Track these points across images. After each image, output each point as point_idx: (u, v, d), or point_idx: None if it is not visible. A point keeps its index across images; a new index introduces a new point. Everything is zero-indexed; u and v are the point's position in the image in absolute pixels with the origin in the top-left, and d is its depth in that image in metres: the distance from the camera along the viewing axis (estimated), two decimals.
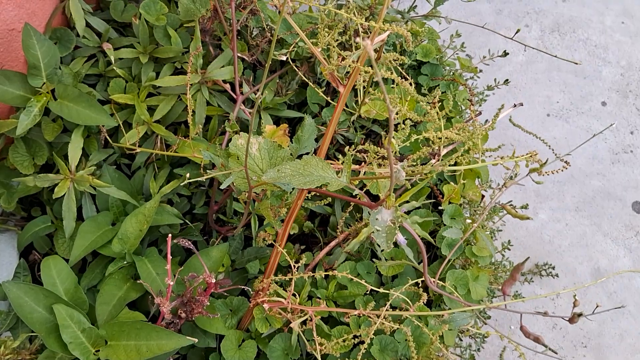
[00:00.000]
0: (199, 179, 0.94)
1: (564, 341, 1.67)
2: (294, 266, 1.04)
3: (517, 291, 1.53)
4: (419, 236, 1.13)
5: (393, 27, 0.83)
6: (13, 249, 1.24)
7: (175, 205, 1.26)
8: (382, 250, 1.21)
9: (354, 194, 1.05)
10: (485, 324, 1.15)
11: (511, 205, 1.37)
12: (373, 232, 0.70)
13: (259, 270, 1.21)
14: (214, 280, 0.97)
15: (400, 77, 0.99)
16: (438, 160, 1.03)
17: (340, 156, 1.02)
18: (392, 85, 1.30)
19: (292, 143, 1.07)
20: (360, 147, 0.98)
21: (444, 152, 1.14)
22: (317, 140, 1.08)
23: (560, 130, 1.94)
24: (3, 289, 1.10)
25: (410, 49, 1.18)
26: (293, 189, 1.00)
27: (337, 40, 0.95)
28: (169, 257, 0.93)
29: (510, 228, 1.49)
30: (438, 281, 0.94)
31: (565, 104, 1.99)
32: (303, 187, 0.80)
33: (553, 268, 1.66)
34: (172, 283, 0.94)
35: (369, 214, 0.96)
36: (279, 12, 0.80)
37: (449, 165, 1.01)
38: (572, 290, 0.83)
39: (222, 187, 0.88)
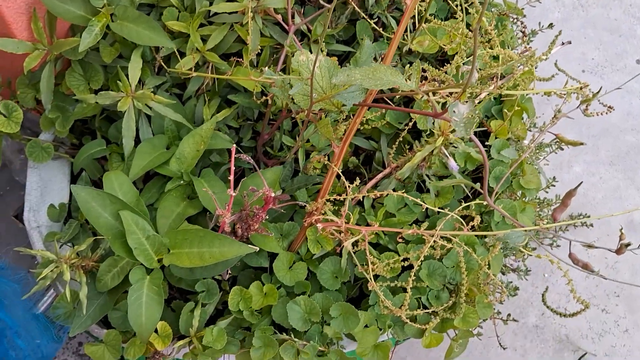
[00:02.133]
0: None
1: (597, 290, 1.68)
2: (348, 186, 1.06)
3: (553, 238, 1.55)
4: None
5: None
6: (64, 176, 1.27)
7: None
8: (431, 182, 1.23)
9: (419, 101, 1.05)
10: (530, 254, 1.16)
11: (557, 136, 1.37)
12: (451, 123, 0.71)
13: (307, 200, 1.23)
14: (273, 194, 0.99)
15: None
16: (496, 81, 1.03)
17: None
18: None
19: (347, 64, 1.08)
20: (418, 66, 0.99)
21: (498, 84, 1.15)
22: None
23: (595, 86, 1.92)
24: (61, 207, 1.14)
25: None
26: (350, 108, 1.01)
27: None
28: (232, 167, 0.95)
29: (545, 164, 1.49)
30: (490, 199, 0.95)
31: (600, 61, 1.99)
32: (374, 87, 0.81)
33: (588, 217, 1.67)
34: (234, 194, 0.96)
35: (433, 123, 0.97)
36: None
37: (506, 90, 1.02)
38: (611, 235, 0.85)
39: (290, 92, 0.90)
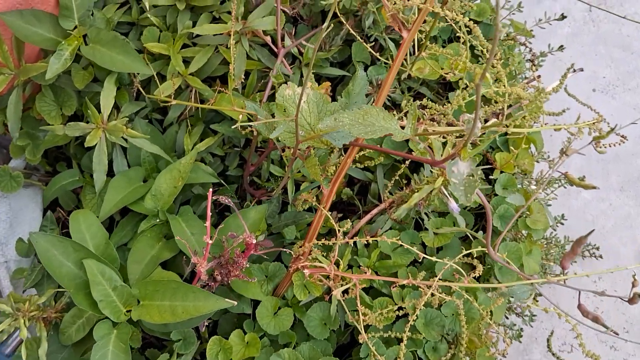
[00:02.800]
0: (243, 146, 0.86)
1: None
2: (338, 230, 0.97)
3: (561, 272, 1.45)
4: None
5: None
6: (37, 205, 1.18)
7: (209, 165, 1.19)
8: (429, 220, 1.14)
9: (414, 150, 0.96)
10: (536, 301, 1.08)
11: (566, 174, 1.28)
12: (449, 185, 0.62)
13: (295, 237, 1.14)
14: (254, 241, 0.90)
15: (463, 31, 0.91)
16: (502, 120, 0.94)
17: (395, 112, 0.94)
18: (444, 43, 1.22)
19: (339, 97, 0.99)
20: (418, 102, 0.90)
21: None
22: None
23: (606, 106, 1.84)
24: (30, 242, 1.05)
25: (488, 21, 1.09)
26: (341, 147, 0.92)
27: None
28: (209, 212, 0.86)
29: (552, 207, 1.40)
30: (493, 251, 0.86)
31: (612, 80, 1.89)
32: (364, 136, 0.72)
33: (597, 249, 1.58)
34: (211, 242, 0.87)
35: (431, 171, 0.89)
36: None
37: (513, 127, 0.93)
38: (618, 270, 0.76)
39: (271, 136, 0.81)
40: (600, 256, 1.59)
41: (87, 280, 0.85)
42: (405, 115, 0.99)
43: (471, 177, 0.61)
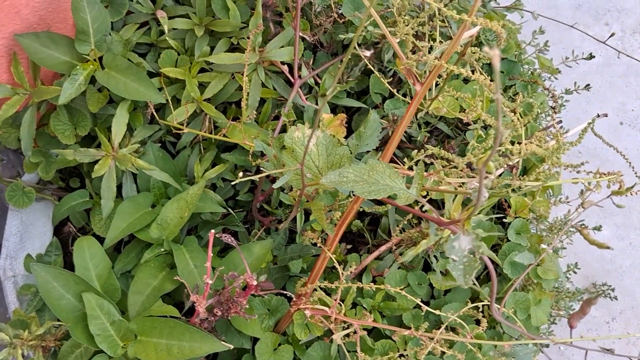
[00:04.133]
0: (249, 177, 0.85)
1: None
2: (342, 273, 0.96)
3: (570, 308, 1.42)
4: (486, 256, 1.03)
5: (486, 22, 0.72)
6: (48, 220, 1.19)
7: (219, 190, 1.18)
8: (438, 262, 1.12)
9: (422, 209, 0.95)
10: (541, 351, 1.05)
11: (582, 225, 1.25)
12: (448, 263, 0.60)
13: (301, 269, 1.13)
14: (255, 282, 0.89)
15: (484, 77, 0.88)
16: (516, 173, 0.92)
17: (405, 159, 0.92)
18: (465, 78, 1.19)
19: (350, 139, 0.98)
20: (429, 150, 0.88)
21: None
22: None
23: (633, 140, 1.79)
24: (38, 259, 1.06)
25: (501, 47, 1.06)
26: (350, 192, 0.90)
27: (415, 29, 0.84)
28: (210, 253, 0.85)
29: (570, 244, 1.37)
30: (497, 306, 0.84)
31: None
32: (367, 196, 0.70)
33: (612, 290, 1.54)
34: (210, 282, 0.86)
35: (436, 231, 0.87)
36: None
37: (528, 181, 0.90)
38: (626, 336, 0.73)
39: (275, 186, 0.80)
40: (615, 297, 1.55)
41: (85, 313, 0.85)
42: (417, 164, 0.97)
43: (472, 256, 0.59)
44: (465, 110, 1.16)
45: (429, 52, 0.89)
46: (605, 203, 1.68)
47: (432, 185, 0.93)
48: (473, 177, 0.91)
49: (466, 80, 1.17)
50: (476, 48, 0.95)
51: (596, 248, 1.54)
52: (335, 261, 0.95)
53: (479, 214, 0.98)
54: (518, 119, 0.93)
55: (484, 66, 1.21)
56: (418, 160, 0.90)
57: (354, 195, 1.00)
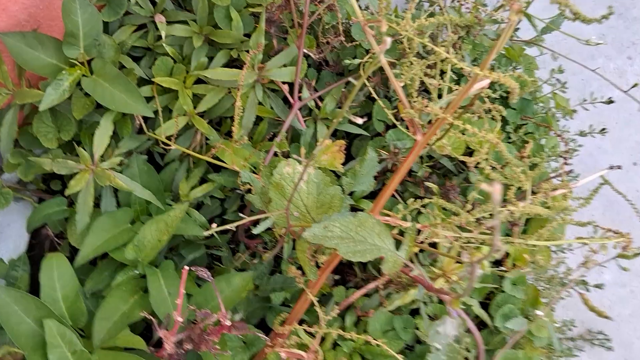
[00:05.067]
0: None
1: None
2: (323, 319, 0.90)
3: None
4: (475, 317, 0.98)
5: (499, 76, 0.66)
6: (24, 222, 1.14)
7: (205, 208, 1.12)
8: (425, 303, 1.06)
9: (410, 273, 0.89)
10: None
11: (583, 282, 1.19)
12: (430, 351, 0.55)
13: (283, 301, 1.07)
14: (229, 323, 0.83)
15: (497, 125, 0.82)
16: (518, 232, 0.85)
17: (400, 206, 0.86)
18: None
19: (344, 177, 0.92)
20: (426, 200, 0.82)
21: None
22: (375, 177, 0.93)
23: None
24: (10, 264, 1.00)
25: (514, 101, 0.99)
26: None
27: (423, 71, 0.78)
28: (182, 291, 0.80)
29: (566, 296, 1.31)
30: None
31: None
32: (351, 258, 0.65)
33: (608, 340, 1.48)
34: (181, 320, 0.81)
35: (427, 324, 0.80)
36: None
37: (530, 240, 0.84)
38: None
39: (255, 231, 0.74)
40: (611, 348, 1.49)
41: (45, 340, 0.80)
42: (411, 214, 0.91)
43: (456, 345, 0.54)
44: (470, 149, 1.10)
45: (437, 95, 0.83)
46: (609, 245, 1.61)
47: (428, 233, 0.87)
48: (470, 231, 0.85)
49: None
50: (488, 90, 0.88)
51: (595, 295, 1.47)
52: (317, 304, 0.89)
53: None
54: (524, 172, 0.87)
55: (495, 100, 1.15)
56: (413, 210, 0.84)
57: None
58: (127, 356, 0.81)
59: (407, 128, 1.10)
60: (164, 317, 0.90)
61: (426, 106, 0.66)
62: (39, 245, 1.16)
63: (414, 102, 0.70)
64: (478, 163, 1.06)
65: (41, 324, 0.81)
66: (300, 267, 1.05)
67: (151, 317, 0.83)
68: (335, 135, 1.15)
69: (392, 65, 1.06)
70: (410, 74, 0.70)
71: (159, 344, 0.93)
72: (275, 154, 1.04)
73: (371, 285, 1.08)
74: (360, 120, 0.51)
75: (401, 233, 0.80)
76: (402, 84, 0.71)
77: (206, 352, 0.90)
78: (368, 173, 0.88)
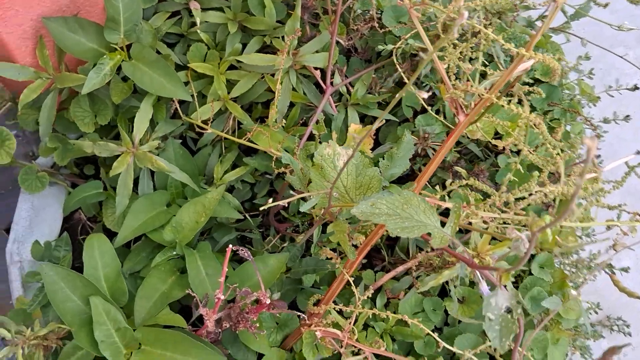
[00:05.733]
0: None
1: None
2: (359, 298, 0.92)
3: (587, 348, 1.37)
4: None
5: (544, 57, 0.67)
6: (59, 206, 1.16)
7: (236, 192, 1.14)
8: (455, 286, 1.08)
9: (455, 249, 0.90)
10: None
11: (609, 265, 1.21)
12: (484, 320, 0.56)
13: (314, 283, 1.09)
14: (268, 301, 0.85)
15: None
16: (552, 213, 0.87)
17: (437, 187, 0.88)
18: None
19: (381, 159, 0.93)
20: (464, 181, 0.83)
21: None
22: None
23: None
24: (46, 246, 1.02)
25: (554, 83, 1.01)
26: None
27: (464, 54, 0.79)
28: (225, 269, 0.82)
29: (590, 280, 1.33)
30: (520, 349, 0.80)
31: None
32: (400, 234, 0.66)
33: (627, 326, 1.49)
34: (223, 297, 0.82)
35: (465, 271, 0.82)
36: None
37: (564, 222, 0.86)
38: None
39: (302, 209, 0.76)
40: (629, 333, 1.50)
41: (91, 316, 0.82)
42: (449, 195, 0.93)
43: (510, 317, 0.55)
44: (499, 133, 1.11)
45: (472, 79, 0.84)
46: (629, 296, 1.63)
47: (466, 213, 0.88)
48: (506, 212, 0.87)
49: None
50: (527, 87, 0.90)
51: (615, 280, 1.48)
52: (352, 283, 0.91)
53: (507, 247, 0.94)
54: (558, 154, 0.88)
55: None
56: (451, 191, 0.86)
57: None
58: (170, 332, 0.83)
59: (436, 112, 1.12)
60: (202, 297, 0.92)
61: (471, 86, 0.68)
62: (72, 229, 1.18)
63: (454, 85, 0.71)
64: (510, 146, 1.08)
65: (87, 301, 0.83)
66: (334, 250, 1.08)
67: (194, 295, 0.85)
68: (363, 121, 1.17)
69: (424, 50, 1.07)
70: (455, 55, 0.72)
71: (195, 323, 0.96)
72: (308, 138, 1.06)
73: (401, 268, 1.09)
74: (425, 95, 0.52)
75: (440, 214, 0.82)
76: (445, 66, 0.72)
77: (243, 330, 0.93)
78: (404, 156, 0.90)
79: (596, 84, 1.24)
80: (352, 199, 0.85)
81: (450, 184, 0.83)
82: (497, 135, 1.15)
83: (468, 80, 0.74)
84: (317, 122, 1.02)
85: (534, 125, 0.71)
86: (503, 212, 0.86)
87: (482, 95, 0.68)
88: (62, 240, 1.01)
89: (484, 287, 0.95)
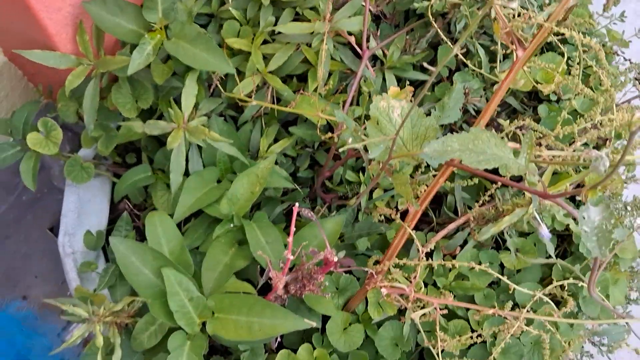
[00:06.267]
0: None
1: None
2: (421, 250, 0.92)
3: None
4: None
5: None
6: (105, 196, 1.17)
7: (280, 166, 1.15)
8: (510, 236, 1.08)
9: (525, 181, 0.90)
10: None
11: None
12: (581, 233, 0.57)
13: (367, 247, 1.10)
14: (335, 259, 0.86)
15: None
16: (610, 146, 0.88)
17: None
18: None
19: (432, 110, 0.94)
20: (521, 122, 0.84)
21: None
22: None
23: None
24: (98, 235, 1.03)
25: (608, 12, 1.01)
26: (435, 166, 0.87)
27: None
28: (293, 228, 0.82)
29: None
30: (595, 292, 0.80)
31: None
32: (477, 166, 0.67)
33: None
34: (292, 257, 0.83)
35: (539, 203, 0.83)
36: None
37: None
38: None
39: (370, 156, 0.76)
40: None
41: (164, 289, 0.82)
42: (508, 137, 0.93)
43: (604, 227, 0.56)
44: (539, 83, 1.12)
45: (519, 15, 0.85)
46: None
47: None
48: (562, 149, 0.87)
49: (541, 52, 1.13)
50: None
51: None
52: (417, 241, 0.91)
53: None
54: (607, 90, 0.89)
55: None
56: (508, 132, 0.86)
57: (436, 169, 0.97)
58: (243, 296, 0.84)
59: (474, 65, 1.12)
60: (265, 265, 0.92)
61: (529, 17, 0.68)
62: (117, 219, 1.18)
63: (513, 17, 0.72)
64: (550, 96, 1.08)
65: (158, 274, 0.83)
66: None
67: (263, 260, 0.86)
68: (399, 83, 1.17)
69: (457, 6, 1.08)
70: None
71: (263, 291, 0.96)
72: (350, 104, 1.06)
73: (452, 226, 1.10)
74: (514, 5, 0.53)
75: None
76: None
77: (308, 295, 0.93)
78: (455, 106, 0.90)
79: (630, 36, 1.24)
80: (410, 150, 0.85)
81: (510, 124, 0.83)
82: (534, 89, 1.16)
83: (519, 15, 0.75)
84: (366, 79, 1.02)
85: (593, 61, 0.71)
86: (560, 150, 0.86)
87: (543, 24, 0.68)
88: (123, 220, 1.02)
89: (544, 230, 0.95)
